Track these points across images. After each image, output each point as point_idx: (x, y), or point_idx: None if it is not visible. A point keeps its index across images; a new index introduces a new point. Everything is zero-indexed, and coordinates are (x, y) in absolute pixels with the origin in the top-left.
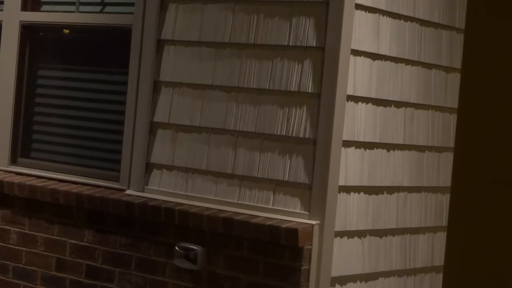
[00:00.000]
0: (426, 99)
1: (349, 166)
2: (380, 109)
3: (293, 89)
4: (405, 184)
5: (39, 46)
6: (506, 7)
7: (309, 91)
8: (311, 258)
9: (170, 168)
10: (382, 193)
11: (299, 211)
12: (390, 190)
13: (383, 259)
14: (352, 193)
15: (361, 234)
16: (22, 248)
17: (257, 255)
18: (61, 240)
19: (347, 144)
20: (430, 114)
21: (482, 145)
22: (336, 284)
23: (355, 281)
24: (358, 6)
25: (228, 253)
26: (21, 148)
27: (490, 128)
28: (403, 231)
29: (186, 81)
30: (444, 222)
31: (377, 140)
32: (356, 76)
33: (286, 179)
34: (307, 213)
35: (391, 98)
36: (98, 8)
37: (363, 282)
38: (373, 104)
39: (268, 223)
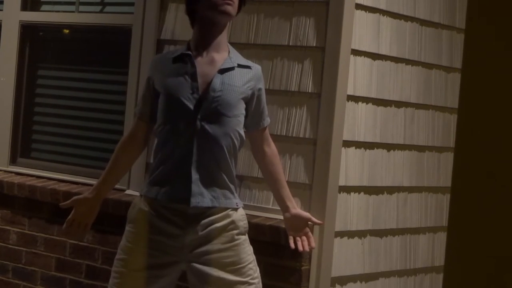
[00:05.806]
0: (426, 99)
1: (349, 166)
2: (380, 109)
3: (293, 89)
4: (405, 184)
5: (39, 46)
6: (506, 7)
7: (309, 91)
8: (311, 258)
9: None
10: (382, 193)
11: None
12: (390, 190)
13: (383, 259)
14: (352, 193)
15: (361, 234)
16: (22, 248)
17: (257, 255)
18: (61, 240)
19: (347, 144)
20: (430, 114)
21: (482, 145)
22: (336, 284)
23: (355, 281)
24: (358, 6)
25: None
26: (21, 148)
27: (490, 128)
28: (403, 231)
29: None
30: (444, 222)
31: (377, 140)
32: (356, 76)
33: (286, 179)
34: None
35: (391, 98)
36: (98, 8)
37: (363, 282)
38: (373, 104)
39: (268, 223)
